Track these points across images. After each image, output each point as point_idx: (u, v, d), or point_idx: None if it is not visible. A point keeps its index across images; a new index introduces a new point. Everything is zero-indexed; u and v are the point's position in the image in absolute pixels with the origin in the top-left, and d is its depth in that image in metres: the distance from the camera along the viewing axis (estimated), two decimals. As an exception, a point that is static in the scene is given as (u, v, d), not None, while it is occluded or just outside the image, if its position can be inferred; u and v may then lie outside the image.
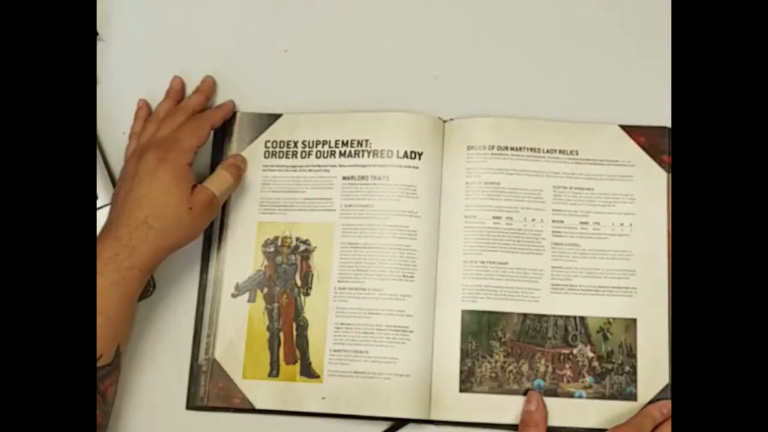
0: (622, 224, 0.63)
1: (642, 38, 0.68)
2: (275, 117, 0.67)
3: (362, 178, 0.65)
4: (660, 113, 0.64)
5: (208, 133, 0.63)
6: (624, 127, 0.65)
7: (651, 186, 0.64)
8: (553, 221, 0.63)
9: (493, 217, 0.63)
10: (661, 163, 0.64)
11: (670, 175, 0.64)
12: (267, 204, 0.65)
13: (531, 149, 0.64)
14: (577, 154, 0.64)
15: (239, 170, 0.64)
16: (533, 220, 0.63)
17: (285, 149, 0.66)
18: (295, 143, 0.66)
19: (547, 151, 0.64)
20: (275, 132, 0.67)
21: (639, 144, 0.64)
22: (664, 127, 0.64)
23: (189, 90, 0.68)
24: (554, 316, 0.62)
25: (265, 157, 0.66)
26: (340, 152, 0.66)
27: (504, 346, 0.61)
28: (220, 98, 0.68)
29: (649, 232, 0.63)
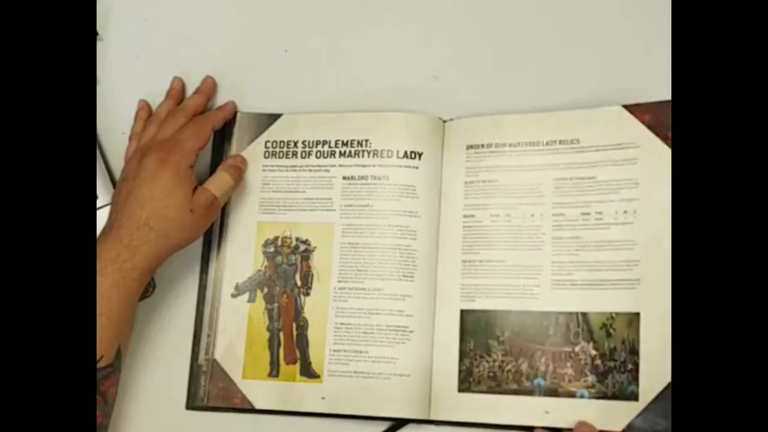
0: (625, 212, 0.61)
1: (639, 14, 0.66)
2: (275, 117, 0.67)
3: (362, 178, 0.65)
4: (664, 88, 0.59)
5: (210, 135, 0.63)
6: (627, 107, 0.62)
7: (656, 166, 0.61)
8: (553, 215, 0.62)
9: (492, 215, 0.63)
10: (666, 140, 0.61)
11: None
12: (267, 204, 0.65)
13: (530, 143, 0.63)
14: (578, 143, 0.63)
15: (239, 171, 0.64)
16: (532, 215, 0.62)
17: (285, 149, 0.66)
18: (295, 143, 0.66)
19: (547, 143, 0.63)
20: (275, 132, 0.67)
21: (643, 122, 0.62)
22: (670, 102, 0.61)
23: (189, 90, 0.68)
24: (555, 313, 0.61)
25: (265, 157, 0.66)
26: (340, 152, 0.66)
27: (502, 345, 0.61)
28: (220, 98, 0.68)
29: (654, 218, 0.60)
